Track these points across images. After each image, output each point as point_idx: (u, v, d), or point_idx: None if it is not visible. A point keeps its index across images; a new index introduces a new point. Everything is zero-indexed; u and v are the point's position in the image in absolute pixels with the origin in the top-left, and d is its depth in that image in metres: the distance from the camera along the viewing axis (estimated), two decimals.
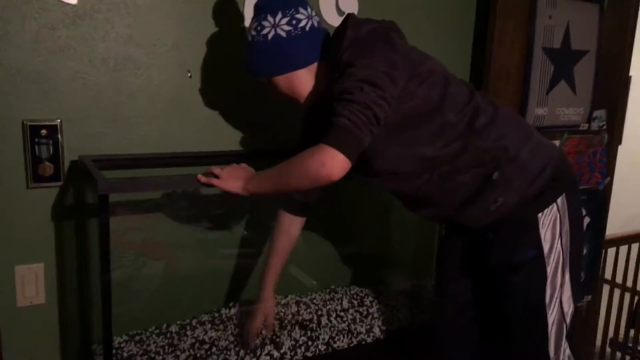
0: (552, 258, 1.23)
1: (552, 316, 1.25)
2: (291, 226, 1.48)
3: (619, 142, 2.33)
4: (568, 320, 1.28)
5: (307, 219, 1.50)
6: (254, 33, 1.23)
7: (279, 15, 1.19)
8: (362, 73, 1.09)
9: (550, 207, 1.23)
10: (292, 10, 1.20)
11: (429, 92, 1.18)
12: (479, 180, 1.22)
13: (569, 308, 1.27)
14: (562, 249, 1.25)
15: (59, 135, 1.35)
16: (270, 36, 1.20)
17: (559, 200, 1.24)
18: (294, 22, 1.20)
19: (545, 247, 1.23)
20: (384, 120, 1.12)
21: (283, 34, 1.20)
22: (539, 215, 1.22)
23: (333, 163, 1.04)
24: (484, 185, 1.22)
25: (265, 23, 1.20)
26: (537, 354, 1.27)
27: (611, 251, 2.80)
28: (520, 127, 1.28)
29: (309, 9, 1.24)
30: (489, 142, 1.21)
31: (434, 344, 1.44)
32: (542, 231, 1.22)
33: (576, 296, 1.29)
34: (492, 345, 1.37)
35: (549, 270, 1.24)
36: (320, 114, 1.21)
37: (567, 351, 1.29)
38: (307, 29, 1.21)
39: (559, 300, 1.25)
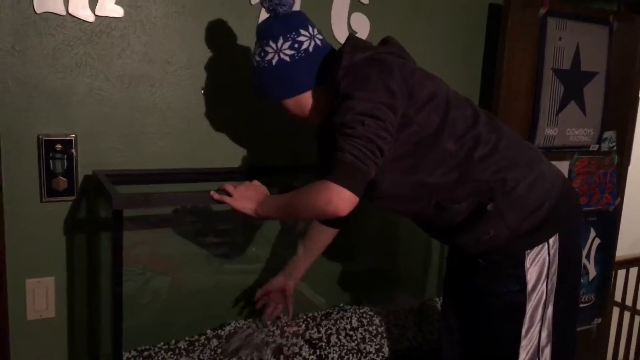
0: (534, 295, 1.22)
1: (525, 350, 1.23)
2: (320, 235, 1.50)
3: (628, 162, 2.33)
4: (542, 358, 1.25)
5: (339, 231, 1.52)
6: (258, 59, 1.23)
7: (281, 40, 1.20)
8: (360, 106, 1.09)
9: (540, 245, 1.21)
10: (293, 33, 1.20)
11: (428, 118, 1.17)
12: (472, 208, 1.21)
13: (546, 343, 1.25)
14: (547, 288, 1.23)
15: (74, 150, 1.37)
16: (274, 62, 1.20)
17: (550, 240, 1.22)
18: (296, 45, 1.20)
19: (529, 285, 1.21)
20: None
21: (287, 59, 1.20)
22: (527, 252, 1.21)
23: (339, 201, 1.06)
24: (477, 215, 1.21)
25: (268, 49, 1.21)
26: None
27: (621, 273, 2.77)
28: (523, 158, 1.25)
29: (311, 28, 1.24)
30: (487, 174, 1.19)
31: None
32: (528, 268, 1.21)
33: (563, 334, 1.26)
34: None
35: (529, 305, 1.22)
36: (329, 138, 1.22)
37: None
38: (311, 50, 1.21)
39: (537, 335, 1.24)
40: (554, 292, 1.23)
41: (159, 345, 1.45)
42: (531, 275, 1.21)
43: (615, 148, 2.19)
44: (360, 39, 1.27)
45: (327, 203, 1.06)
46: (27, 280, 1.37)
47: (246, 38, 1.52)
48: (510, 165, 1.21)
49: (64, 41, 1.33)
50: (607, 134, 2.15)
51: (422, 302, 1.84)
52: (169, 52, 1.44)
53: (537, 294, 1.22)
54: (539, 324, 1.23)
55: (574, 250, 1.29)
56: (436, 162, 1.19)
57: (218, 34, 1.50)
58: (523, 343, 1.22)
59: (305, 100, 1.25)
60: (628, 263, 2.78)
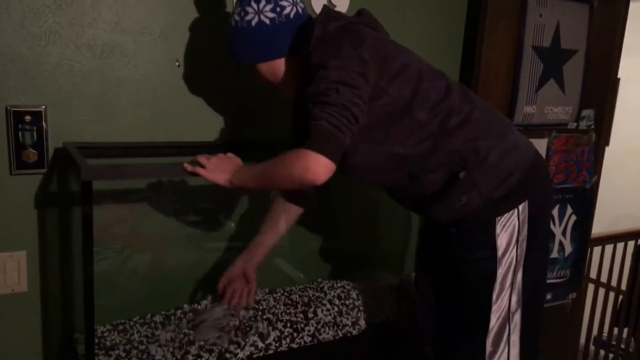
0: (504, 261, 1.24)
1: (495, 314, 1.25)
2: (284, 215, 1.47)
3: (607, 143, 2.35)
4: (512, 323, 1.26)
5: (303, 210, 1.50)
6: (237, 18, 1.21)
7: (263, 2, 1.19)
8: (334, 74, 1.09)
9: (510, 212, 1.23)
10: None
11: (400, 90, 1.17)
12: (445, 178, 1.22)
13: (516, 309, 1.27)
14: (516, 254, 1.25)
15: (44, 122, 1.33)
16: (253, 23, 1.19)
17: (520, 207, 1.23)
18: (278, 9, 1.19)
19: (499, 251, 1.23)
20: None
21: (267, 21, 1.19)
22: (497, 218, 1.22)
23: (317, 167, 1.05)
24: (449, 184, 1.22)
25: (249, 9, 1.19)
26: (474, 349, 1.27)
27: (597, 250, 2.82)
28: (495, 128, 1.26)
29: None
30: (459, 144, 1.20)
31: (414, 330, 1.46)
32: (498, 235, 1.23)
33: (531, 300, 1.28)
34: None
35: (500, 271, 1.24)
36: (300, 105, 1.20)
37: (505, 355, 1.27)
38: (292, 16, 1.20)
39: (507, 300, 1.26)
40: (523, 258, 1.25)
41: (134, 319, 1.45)
42: (501, 241, 1.23)
43: (593, 126, 2.21)
44: (334, 10, 1.26)
45: (304, 171, 1.05)
46: None
47: (223, 8, 1.49)
48: (482, 135, 1.22)
49: (32, 9, 1.29)
50: (585, 112, 2.16)
51: (399, 278, 1.85)
52: (142, 22, 1.41)
53: (507, 259, 1.24)
54: (509, 289, 1.25)
55: (542, 218, 1.31)
56: (408, 132, 1.19)
57: (192, 4, 1.46)
58: (494, 308, 1.24)
59: (278, 67, 1.24)
60: (603, 240, 2.83)
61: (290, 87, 1.27)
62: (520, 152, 1.26)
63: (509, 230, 1.23)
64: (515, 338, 1.27)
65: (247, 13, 1.19)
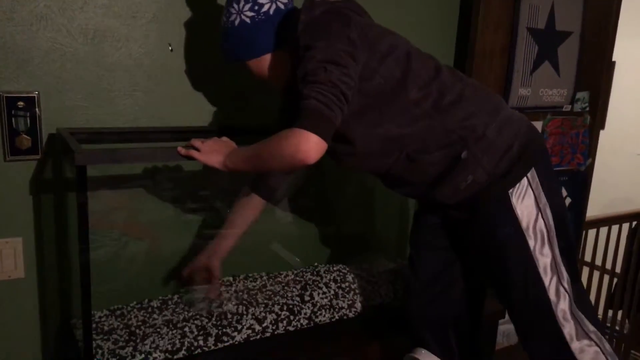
0: (531, 232, 1.23)
1: (547, 279, 1.24)
2: (249, 206, 1.49)
3: (602, 126, 2.36)
4: (564, 281, 1.25)
5: (267, 203, 1.51)
6: (224, 19, 1.26)
7: (242, 2, 1.22)
8: (322, 54, 1.09)
9: (521, 182, 1.23)
10: None
11: (391, 70, 1.18)
12: (447, 160, 1.22)
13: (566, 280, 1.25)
14: (544, 222, 1.24)
15: (37, 108, 1.33)
16: (236, 23, 1.22)
17: (529, 175, 1.23)
18: (256, 7, 1.21)
19: (523, 222, 1.23)
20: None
21: (247, 20, 1.21)
22: (510, 191, 1.22)
23: (308, 146, 1.04)
24: (452, 165, 1.22)
25: (232, 9, 1.23)
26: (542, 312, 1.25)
27: (591, 233, 2.84)
28: (488, 104, 1.27)
29: None
30: (455, 122, 1.21)
31: (404, 314, 1.47)
32: (515, 207, 1.22)
33: (572, 266, 1.27)
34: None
35: (532, 244, 1.23)
36: (292, 96, 1.20)
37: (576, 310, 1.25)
38: (272, 12, 1.22)
39: (556, 271, 1.24)
40: (553, 225, 1.24)
41: (131, 305, 1.45)
42: (522, 212, 1.22)
43: (587, 109, 2.21)
44: None
45: (296, 150, 1.04)
46: None
47: None
48: (477, 111, 1.23)
49: None
50: (580, 95, 2.16)
51: (395, 262, 1.86)
52: (133, 5, 1.40)
53: (537, 228, 1.23)
54: (551, 256, 1.24)
55: (553, 181, 1.30)
56: (401, 112, 1.19)
57: None
58: (545, 281, 1.23)
59: (266, 62, 1.26)
60: (598, 223, 2.85)
61: (281, 81, 1.29)
62: (515, 124, 1.27)
63: (525, 200, 1.22)
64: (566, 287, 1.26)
65: (230, 14, 1.23)
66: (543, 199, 1.24)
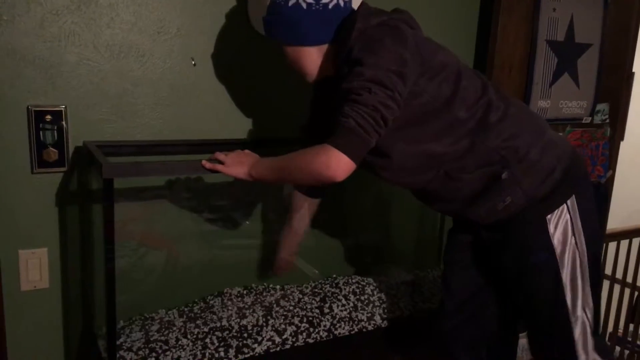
0: (565, 260, 1.21)
1: (573, 318, 1.23)
2: (304, 206, 1.52)
3: (622, 137, 2.33)
4: (587, 309, 1.24)
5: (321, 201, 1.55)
6: None
7: None
8: (370, 72, 1.06)
9: (560, 208, 1.20)
10: None
11: (440, 88, 1.16)
12: (486, 179, 1.20)
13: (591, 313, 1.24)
14: (578, 251, 1.21)
15: (64, 121, 1.36)
16: (290, 3, 1.16)
17: (568, 202, 1.20)
18: None
19: (558, 249, 1.20)
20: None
21: (303, 5, 1.16)
22: (548, 217, 1.20)
23: (338, 165, 1.04)
24: (491, 185, 1.20)
25: None
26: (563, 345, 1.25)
27: (612, 246, 2.80)
28: (532, 125, 1.24)
29: None
30: (498, 141, 1.18)
31: (435, 333, 1.45)
32: (552, 233, 1.20)
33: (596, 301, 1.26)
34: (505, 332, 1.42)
35: (564, 272, 1.21)
36: (326, 97, 1.20)
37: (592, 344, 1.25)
38: (330, 6, 1.17)
39: (582, 304, 1.22)
40: (586, 255, 1.22)
41: (151, 315, 1.47)
42: (558, 239, 1.20)
43: (607, 120, 2.19)
44: (374, 7, 1.23)
45: (326, 167, 1.04)
46: (20, 251, 1.38)
47: (238, 6, 1.50)
48: (520, 132, 1.21)
49: (52, 10, 1.31)
50: (600, 106, 2.15)
51: (414, 274, 1.86)
52: (158, 21, 1.43)
53: (569, 256, 1.21)
54: (581, 285, 1.22)
55: (592, 212, 1.27)
56: (446, 130, 1.17)
57: (208, 3, 1.48)
58: (571, 317, 1.22)
59: (307, 54, 1.22)
60: (619, 236, 2.81)
61: (313, 76, 1.25)
62: (559, 147, 1.24)
63: (562, 226, 1.20)
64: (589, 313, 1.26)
65: None
66: (579, 228, 1.21)
